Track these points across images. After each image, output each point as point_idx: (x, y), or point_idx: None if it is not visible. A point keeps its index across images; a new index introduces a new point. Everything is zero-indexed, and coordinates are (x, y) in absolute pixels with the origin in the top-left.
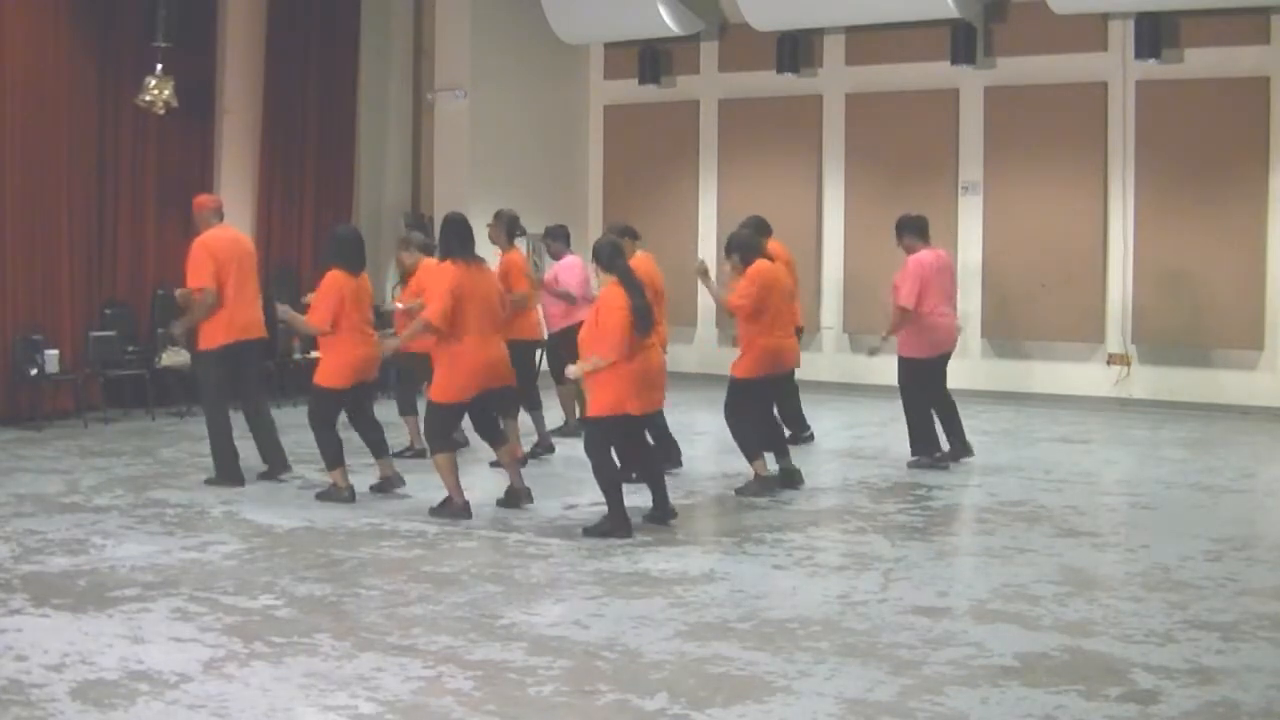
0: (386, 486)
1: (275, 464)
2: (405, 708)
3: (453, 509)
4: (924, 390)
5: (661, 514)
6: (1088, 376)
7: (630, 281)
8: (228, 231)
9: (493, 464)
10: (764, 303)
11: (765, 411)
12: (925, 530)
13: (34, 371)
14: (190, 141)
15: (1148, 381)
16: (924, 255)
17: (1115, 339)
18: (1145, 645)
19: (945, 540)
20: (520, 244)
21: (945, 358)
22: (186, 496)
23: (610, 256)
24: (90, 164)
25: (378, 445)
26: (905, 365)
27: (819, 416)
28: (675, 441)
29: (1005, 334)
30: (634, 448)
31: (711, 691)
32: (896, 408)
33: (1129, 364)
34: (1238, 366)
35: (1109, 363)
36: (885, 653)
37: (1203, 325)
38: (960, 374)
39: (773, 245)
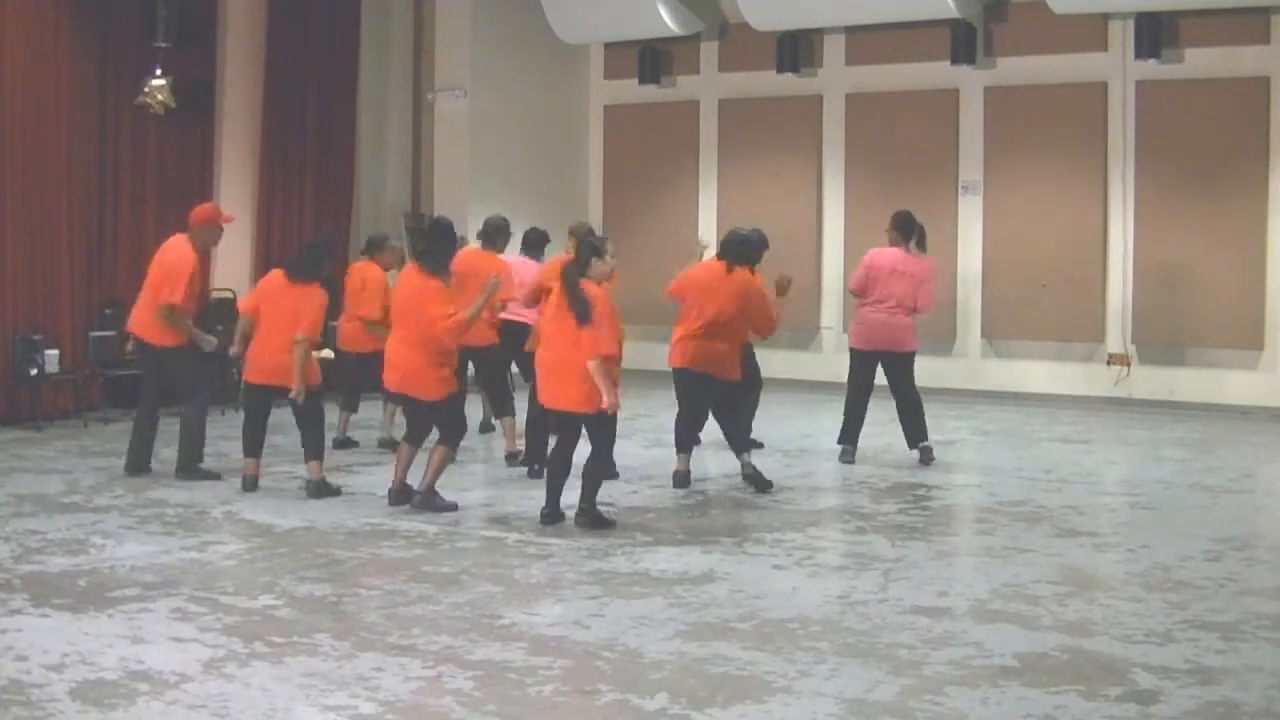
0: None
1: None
2: (405, 708)
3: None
4: (853, 382)
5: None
6: (1088, 376)
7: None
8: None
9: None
10: None
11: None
12: (925, 530)
13: (34, 371)
14: (190, 141)
15: (1148, 381)
16: (884, 252)
17: (1115, 339)
18: (1145, 645)
19: (945, 540)
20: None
21: (878, 355)
22: (186, 496)
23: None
24: (90, 164)
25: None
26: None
27: (819, 416)
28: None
29: (1005, 334)
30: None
31: (711, 691)
32: (895, 408)
33: (1129, 364)
34: (1238, 366)
35: (1109, 363)
36: (885, 653)
37: (1203, 325)
38: (960, 374)
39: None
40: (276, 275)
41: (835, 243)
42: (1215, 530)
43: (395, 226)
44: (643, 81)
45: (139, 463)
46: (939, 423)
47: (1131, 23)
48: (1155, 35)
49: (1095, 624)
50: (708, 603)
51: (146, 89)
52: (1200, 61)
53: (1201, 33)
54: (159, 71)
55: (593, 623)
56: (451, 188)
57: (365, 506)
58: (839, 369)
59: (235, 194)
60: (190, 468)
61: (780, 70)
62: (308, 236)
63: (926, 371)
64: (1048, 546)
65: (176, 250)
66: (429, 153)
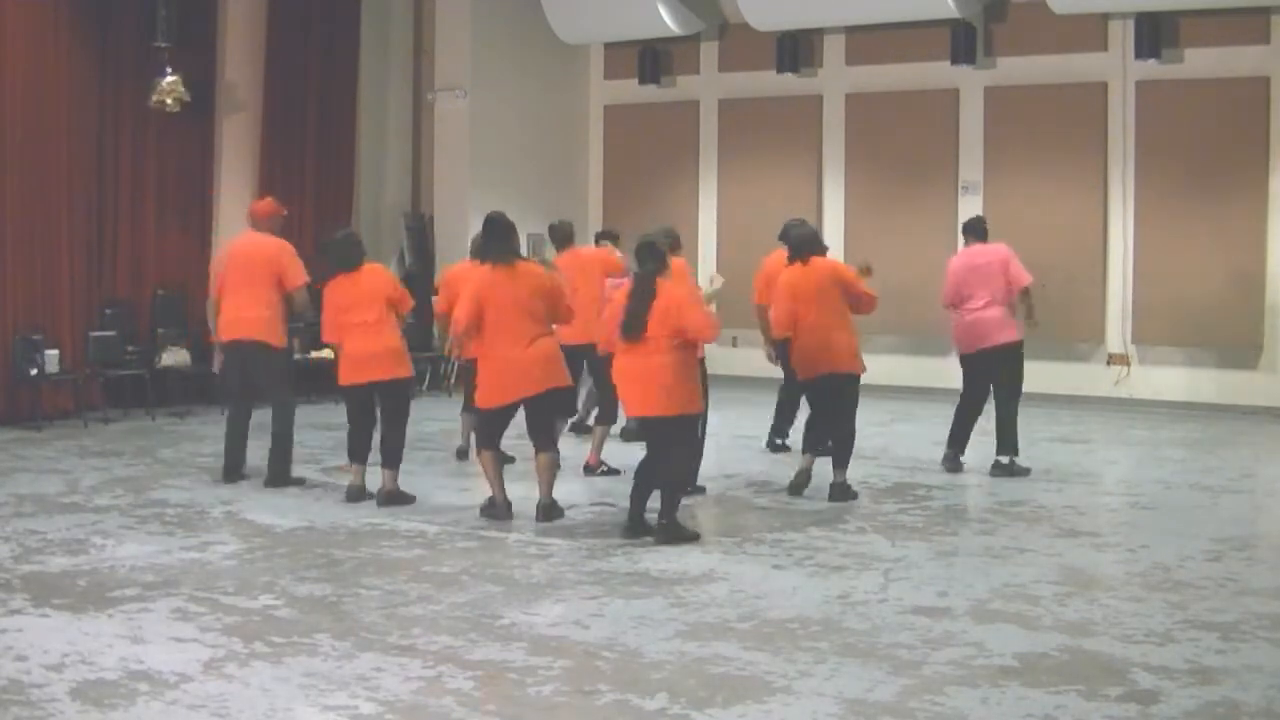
0: (388, 498)
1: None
2: (405, 708)
3: (494, 509)
4: (966, 387)
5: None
6: (1088, 376)
7: (635, 285)
8: (244, 237)
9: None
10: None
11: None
12: (925, 530)
13: (34, 371)
14: (190, 141)
15: (1148, 381)
16: (958, 254)
17: (1115, 339)
18: (1145, 645)
19: (945, 540)
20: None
21: (975, 356)
22: (186, 496)
23: (647, 257)
24: (90, 164)
25: (388, 455)
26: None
27: None
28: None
29: None
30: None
31: (711, 691)
32: (897, 408)
33: (1129, 364)
34: (1238, 366)
35: (1109, 363)
36: (885, 653)
37: (1203, 325)
38: (961, 374)
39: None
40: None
41: (835, 243)
42: (1215, 530)
43: (395, 226)
44: (643, 81)
45: (234, 468)
46: (940, 423)
47: (1131, 23)
48: (1155, 35)
49: (1095, 624)
50: (708, 603)
51: (160, 89)
52: (1200, 61)
53: (1201, 33)
54: (169, 70)
55: (593, 623)
56: (451, 188)
57: (365, 506)
58: None
59: (235, 194)
60: (281, 477)
61: (780, 70)
62: (325, 234)
63: (926, 372)
64: (1048, 546)
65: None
66: (429, 153)
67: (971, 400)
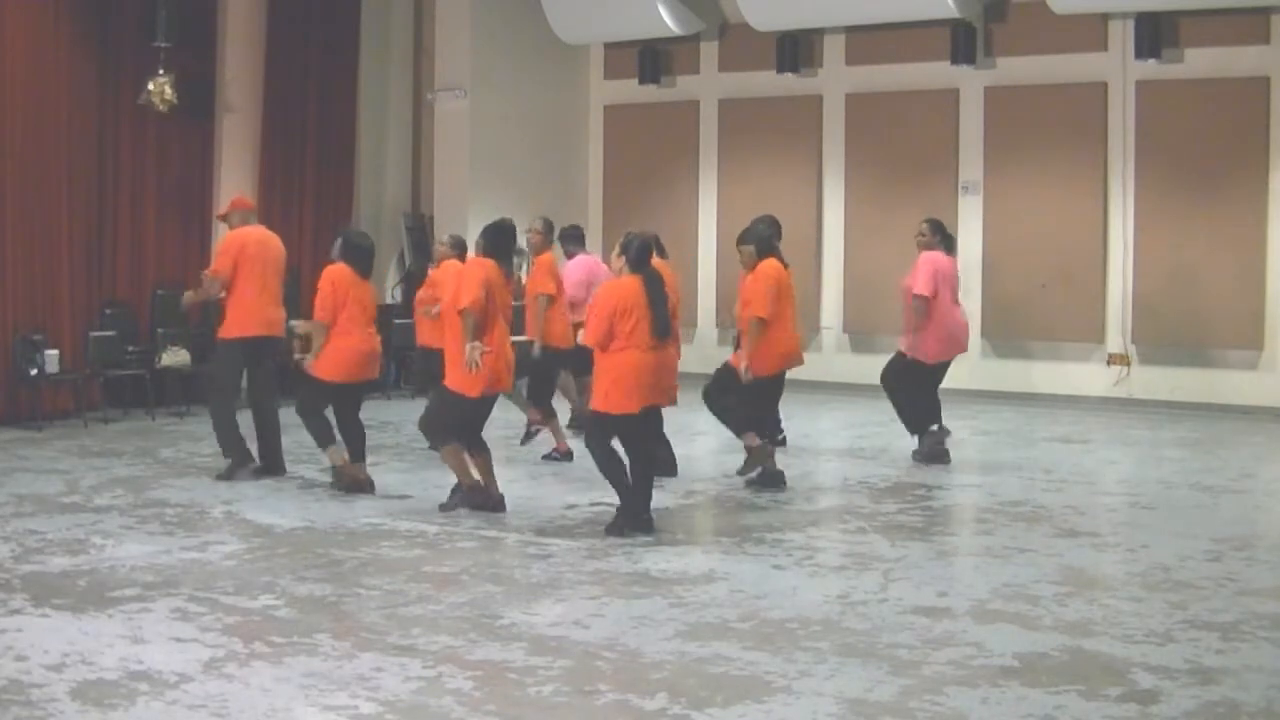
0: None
1: (273, 465)
2: (405, 708)
3: (463, 496)
4: (920, 390)
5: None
6: (1088, 376)
7: (653, 285)
8: (258, 230)
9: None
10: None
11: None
12: (925, 530)
13: (34, 371)
14: (190, 141)
15: (1148, 381)
16: (938, 256)
17: (1115, 339)
18: (1145, 645)
19: (945, 540)
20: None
21: (947, 362)
22: (186, 496)
23: (639, 256)
24: (90, 164)
25: (357, 449)
26: (911, 367)
27: (819, 416)
28: (670, 448)
29: (1005, 334)
30: (631, 446)
31: (711, 691)
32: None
33: (1129, 364)
34: (1238, 366)
35: (1109, 363)
36: (885, 653)
37: (1203, 325)
38: (960, 374)
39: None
40: (347, 272)
41: (835, 242)
42: (1215, 530)
43: (395, 226)
44: (643, 81)
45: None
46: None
47: (1131, 23)
48: (1155, 35)
49: (1095, 624)
50: (708, 603)
51: (150, 88)
52: (1200, 61)
53: (1201, 33)
54: (161, 70)
55: (593, 623)
56: (451, 188)
57: (365, 506)
58: (839, 369)
59: (235, 194)
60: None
61: (780, 70)
62: (328, 232)
63: None
64: (1048, 546)
65: None
66: (429, 153)
67: (934, 399)
